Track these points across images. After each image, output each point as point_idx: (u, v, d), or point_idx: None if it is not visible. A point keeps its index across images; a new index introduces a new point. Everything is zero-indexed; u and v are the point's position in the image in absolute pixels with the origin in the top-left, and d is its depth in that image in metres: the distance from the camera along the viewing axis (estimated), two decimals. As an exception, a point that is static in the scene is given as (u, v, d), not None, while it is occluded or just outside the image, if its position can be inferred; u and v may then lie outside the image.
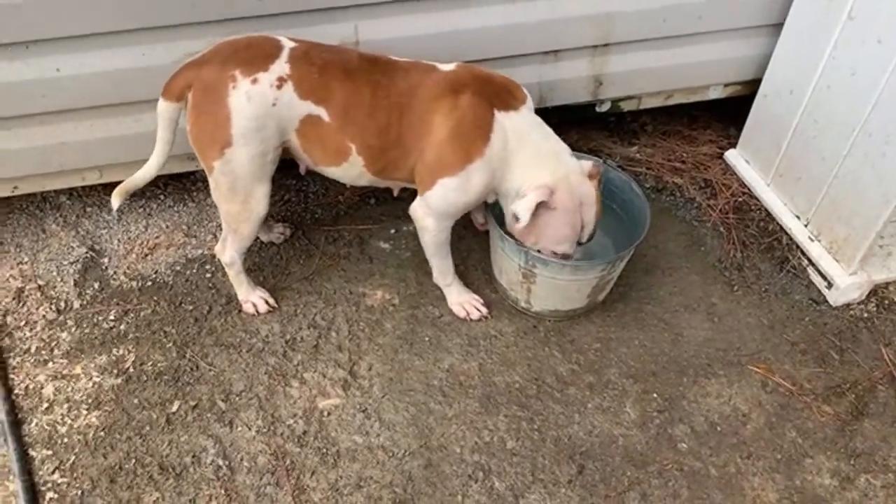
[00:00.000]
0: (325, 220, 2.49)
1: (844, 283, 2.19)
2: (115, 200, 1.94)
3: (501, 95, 1.85)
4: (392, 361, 2.06)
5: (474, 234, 2.42)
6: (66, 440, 1.86)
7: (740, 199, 2.57)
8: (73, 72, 1.96)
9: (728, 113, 2.81)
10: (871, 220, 2.07)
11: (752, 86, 2.55)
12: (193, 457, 1.83)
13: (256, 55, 1.73)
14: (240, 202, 1.87)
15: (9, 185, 2.24)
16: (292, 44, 1.78)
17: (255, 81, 1.71)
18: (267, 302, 2.15)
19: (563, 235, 1.90)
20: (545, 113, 2.44)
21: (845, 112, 2.08)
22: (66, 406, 1.93)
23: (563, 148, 1.91)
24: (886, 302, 2.26)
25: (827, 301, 2.26)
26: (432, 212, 1.93)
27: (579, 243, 1.97)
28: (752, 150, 2.60)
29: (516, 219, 1.83)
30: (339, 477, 1.80)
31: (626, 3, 2.25)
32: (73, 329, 2.12)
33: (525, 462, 1.84)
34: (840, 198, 2.18)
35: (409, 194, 2.02)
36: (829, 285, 2.24)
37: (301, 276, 2.28)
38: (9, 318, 2.13)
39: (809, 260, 2.31)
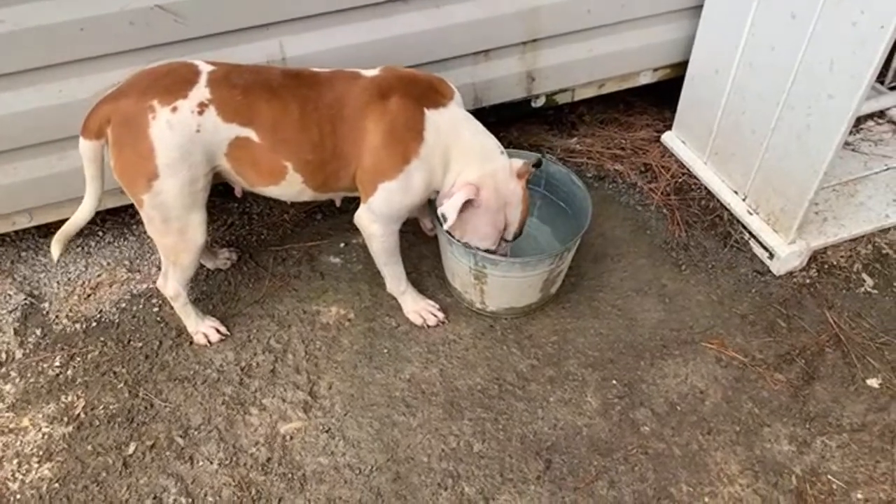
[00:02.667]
0: (271, 241, 2.45)
1: (785, 252, 2.26)
2: (55, 250, 1.88)
3: (429, 93, 1.85)
4: (352, 378, 2.04)
5: (424, 241, 2.41)
6: (18, 496, 1.79)
7: (680, 180, 2.62)
8: (-12, 114, 1.89)
9: (661, 96, 2.87)
10: (804, 189, 2.13)
11: (681, 68, 2.60)
12: (154, 498, 1.78)
13: (174, 83, 1.69)
14: (175, 233, 1.82)
15: (-67, 238, 2.14)
16: (210, 67, 1.74)
17: (174, 110, 1.67)
18: (218, 331, 2.11)
19: (485, 233, 1.93)
20: (482, 112, 2.47)
21: (768, 87, 2.14)
22: (15, 461, 1.86)
23: (493, 144, 1.92)
24: (826, 266, 2.33)
25: (770, 271, 2.32)
26: (377, 217, 1.92)
27: (505, 240, 1.99)
28: (687, 130, 2.66)
29: (444, 218, 1.84)
30: (308, 501, 1.77)
31: (549, -3, 2.27)
32: (17, 380, 2.04)
33: (493, 463, 1.84)
34: (772, 170, 2.24)
35: (355, 205, 2.00)
36: (771, 256, 2.30)
37: (252, 301, 2.24)
38: (-54, 376, 2.04)
39: (750, 233, 2.37)
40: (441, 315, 2.17)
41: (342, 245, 2.43)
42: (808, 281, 2.30)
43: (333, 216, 2.52)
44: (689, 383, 2.02)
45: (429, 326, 2.16)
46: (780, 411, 1.96)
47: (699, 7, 2.40)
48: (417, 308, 2.17)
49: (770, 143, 2.20)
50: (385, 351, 2.11)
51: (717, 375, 2.04)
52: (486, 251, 1.96)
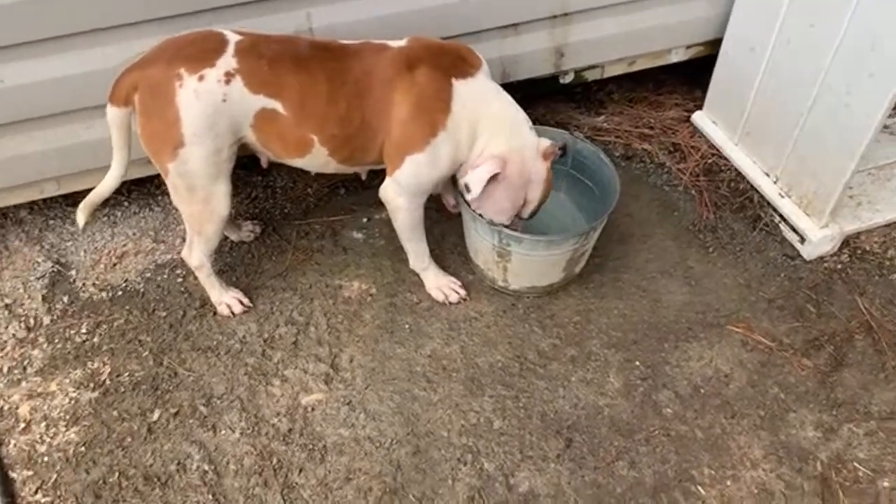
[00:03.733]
0: (295, 215, 2.45)
1: (816, 236, 2.21)
2: (81, 217, 1.90)
3: (457, 64, 1.82)
4: (373, 352, 2.04)
5: (447, 218, 2.39)
6: (46, 459, 1.83)
7: (710, 161, 2.57)
8: (17, 81, 1.89)
9: (692, 75, 2.80)
10: (839, 172, 2.07)
11: (714, 46, 2.53)
12: (178, 464, 1.80)
13: (201, 51, 1.68)
14: (200, 203, 1.83)
15: (-36, 204, 2.18)
16: (238, 37, 1.73)
17: (201, 78, 1.66)
18: (241, 302, 2.12)
19: (502, 208, 1.91)
20: (510, 87, 2.40)
21: (806, 66, 2.08)
22: (43, 424, 1.89)
23: (523, 118, 1.89)
24: (859, 252, 2.28)
25: (801, 255, 2.27)
26: (403, 190, 1.91)
27: (520, 218, 1.96)
28: (718, 110, 2.59)
29: (468, 189, 1.82)
30: (328, 472, 1.79)
31: (581, -30, 2.22)
32: (45, 346, 2.07)
33: (513, 441, 1.84)
34: (807, 152, 2.18)
35: (379, 181, 1.99)
36: (802, 240, 2.25)
37: (275, 273, 2.25)
38: (-23, 340, 2.08)
39: (781, 216, 2.32)
40: (463, 292, 2.16)
41: (365, 220, 2.42)
42: (839, 266, 2.24)
43: (357, 191, 2.51)
44: (714, 366, 2.00)
45: (450, 303, 2.15)
46: (807, 397, 1.93)
47: (736, -18, 2.33)
48: (439, 284, 2.16)
49: (805, 124, 2.14)
50: (406, 326, 2.11)
51: (742, 359, 2.01)
52: (500, 225, 1.93)
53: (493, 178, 1.82)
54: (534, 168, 1.87)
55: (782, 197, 2.32)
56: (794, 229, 2.28)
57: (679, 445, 1.83)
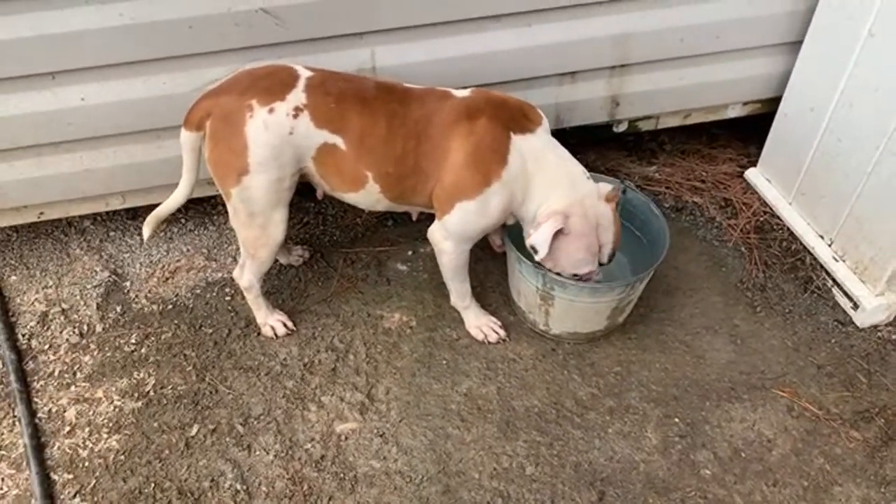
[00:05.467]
0: (343, 243, 2.50)
1: (871, 304, 2.14)
2: (147, 230, 1.98)
3: (517, 118, 1.85)
4: (409, 385, 2.05)
5: (492, 257, 2.41)
6: (87, 464, 1.88)
7: (762, 219, 2.53)
8: (96, 101, 2.00)
9: (748, 131, 2.78)
10: (898, 239, 2.02)
11: (772, 104, 2.52)
12: (212, 481, 1.83)
13: (273, 85, 1.75)
14: (258, 228, 1.89)
15: (35, 211, 2.29)
16: (309, 73, 1.80)
17: (271, 111, 1.73)
18: (285, 325, 2.16)
19: (580, 259, 1.88)
20: (562, 134, 2.45)
21: (868, 129, 2.05)
22: (87, 430, 1.95)
23: (580, 170, 1.90)
24: (915, 323, 2.20)
25: (853, 322, 2.21)
26: (451, 235, 1.93)
27: (600, 264, 1.95)
28: (773, 168, 2.56)
29: (535, 251, 1.82)
30: (357, 502, 1.79)
31: (643, 23, 2.25)
32: (96, 352, 2.15)
33: (545, 488, 1.81)
34: (865, 217, 2.14)
35: (428, 216, 2.02)
36: (856, 306, 2.19)
37: (319, 299, 2.29)
38: (33, 342, 2.17)
39: (834, 280, 2.26)
40: (503, 332, 2.16)
41: (410, 253, 2.46)
42: (894, 337, 2.17)
43: (404, 224, 2.55)
44: (757, 430, 1.94)
45: (489, 343, 2.15)
46: (854, 471, 1.85)
47: (798, 42, 2.33)
48: (479, 323, 2.16)
49: (864, 188, 2.10)
50: (444, 362, 2.11)
51: (787, 425, 1.95)
52: (585, 277, 1.91)
53: (559, 233, 1.82)
54: (599, 213, 1.87)
55: (836, 261, 2.27)
56: (847, 295, 2.22)
57: (716, 510, 1.78)
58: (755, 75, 2.50)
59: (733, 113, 2.64)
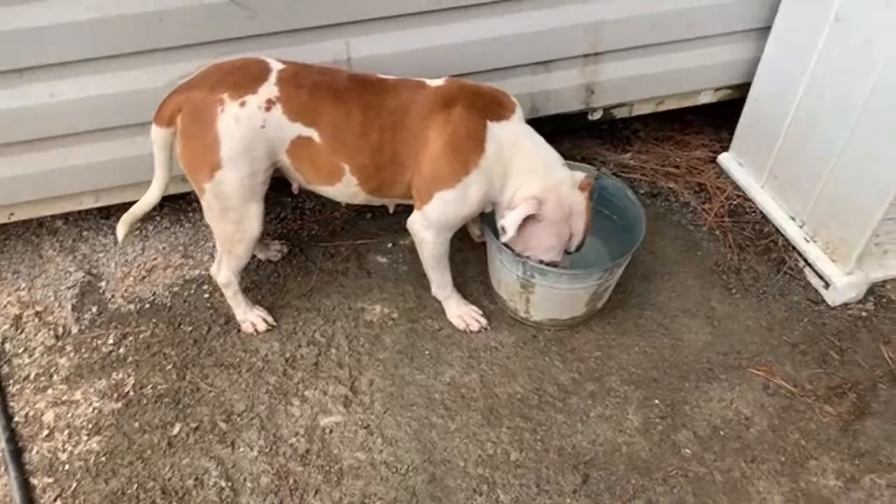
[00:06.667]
0: (321, 237, 2.49)
1: (842, 282, 2.20)
2: (121, 231, 1.95)
3: (492, 106, 1.86)
4: (393, 376, 2.05)
5: (471, 247, 2.42)
6: (67, 467, 1.85)
7: (735, 202, 2.58)
8: (66, 97, 1.97)
9: (720, 117, 2.82)
10: (866, 219, 2.07)
11: (743, 89, 2.56)
12: (196, 479, 1.82)
13: (244, 78, 1.73)
14: (233, 223, 1.87)
15: (5, 212, 2.24)
16: (281, 66, 1.79)
17: (243, 104, 1.71)
18: (265, 320, 2.15)
19: (550, 245, 1.92)
20: (538, 123, 2.45)
21: (836, 112, 2.10)
22: (66, 432, 1.92)
23: (555, 157, 1.92)
24: (884, 300, 2.26)
25: (825, 301, 2.26)
26: (431, 225, 1.94)
27: (567, 252, 1.98)
28: (745, 152, 2.61)
29: (503, 231, 1.84)
30: (343, 495, 1.79)
31: (614, 11, 2.27)
32: (72, 354, 2.11)
33: (529, 473, 1.83)
34: (834, 198, 2.19)
35: (405, 208, 2.02)
36: (827, 285, 2.24)
37: (299, 294, 2.28)
38: (7, 346, 2.13)
39: (806, 261, 2.31)
40: (484, 321, 2.17)
41: (390, 245, 2.46)
42: (864, 314, 2.23)
43: (383, 217, 2.54)
44: (735, 409, 1.98)
45: (471, 332, 2.16)
46: (829, 445, 1.90)
47: (767, 28, 2.37)
48: (461, 313, 2.17)
49: (834, 169, 2.15)
50: (426, 353, 2.12)
51: (763, 403, 1.99)
52: (550, 263, 1.95)
53: (532, 219, 1.84)
54: (573, 201, 1.90)
55: (808, 241, 2.32)
56: (818, 274, 2.27)
57: (697, 487, 1.81)
58: (726, 61, 2.54)
59: (705, 99, 2.68)
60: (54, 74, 1.92)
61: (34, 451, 1.88)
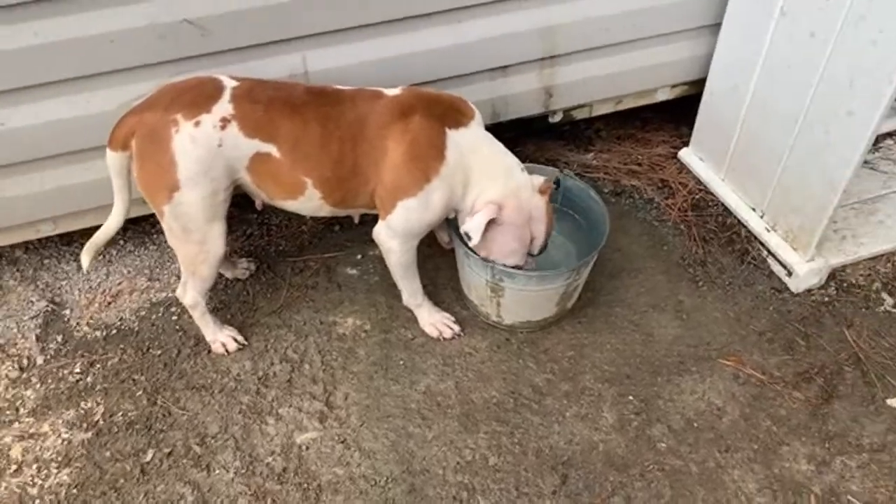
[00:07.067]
0: (289, 252, 2.47)
1: (803, 269, 2.25)
2: (85, 259, 1.92)
3: (450, 113, 1.87)
4: (368, 388, 2.04)
5: (440, 254, 2.42)
6: (37, 501, 1.81)
7: (697, 196, 2.62)
8: (17, 124, 1.93)
9: (678, 113, 2.87)
10: (822, 207, 2.12)
11: (699, 85, 2.61)
12: (171, 506, 1.79)
13: (198, 97, 1.72)
14: (196, 244, 1.85)
15: (-40, 245, 2.19)
16: (235, 83, 1.77)
17: (197, 124, 1.70)
18: (235, 340, 2.12)
19: (512, 249, 1.94)
20: (500, 127, 2.48)
21: (787, 104, 2.15)
22: (35, 466, 1.88)
23: (514, 162, 1.94)
24: (845, 284, 2.32)
25: (788, 289, 2.31)
26: (396, 234, 1.94)
27: (530, 255, 2.00)
28: (704, 147, 2.66)
29: (468, 237, 1.86)
30: (323, 511, 1.78)
31: (566, 14, 2.29)
32: (38, 386, 2.07)
33: (508, 477, 1.84)
34: (791, 188, 2.24)
35: (373, 218, 2.02)
36: (789, 273, 2.29)
37: (269, 311, 2.26)
38: (-31, 381, 2.07)
39: (768, 250, 2.36)
40: (457, 328, 2.18)
41: (359, 257, 2.45)
42: (826, 299, 2.28)
43: (351, 228, 2.54)
44: (707, 400, 2.01)
45: (444, 339, 2.16)
46: (799, 430, 1.94)
47: (717, 25, 2.42)
48: (433, 320, 2.17)
49: (788, 160, 2.20)
50: (401, 363, 2.11)
51: (734, 392, 2.03)
52: (514, 267, 1.97)
53: (493, 223, 1.86)
54: (533, 205, 1.91)
55: (769, 231, 2.37)
56: (781, 263, 2.32)
57: (674, 480, 1.83)
58: (680, 59, 2.58)
59: (663, 96, 2.73)
60: (4, 102, 1.88)
61: (3, 487, 1.83)
